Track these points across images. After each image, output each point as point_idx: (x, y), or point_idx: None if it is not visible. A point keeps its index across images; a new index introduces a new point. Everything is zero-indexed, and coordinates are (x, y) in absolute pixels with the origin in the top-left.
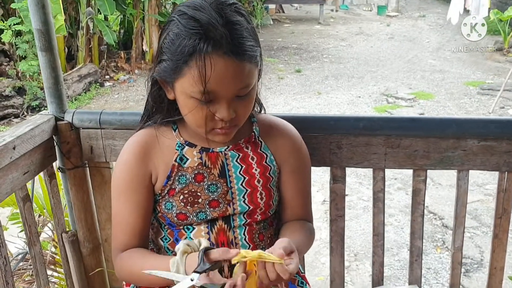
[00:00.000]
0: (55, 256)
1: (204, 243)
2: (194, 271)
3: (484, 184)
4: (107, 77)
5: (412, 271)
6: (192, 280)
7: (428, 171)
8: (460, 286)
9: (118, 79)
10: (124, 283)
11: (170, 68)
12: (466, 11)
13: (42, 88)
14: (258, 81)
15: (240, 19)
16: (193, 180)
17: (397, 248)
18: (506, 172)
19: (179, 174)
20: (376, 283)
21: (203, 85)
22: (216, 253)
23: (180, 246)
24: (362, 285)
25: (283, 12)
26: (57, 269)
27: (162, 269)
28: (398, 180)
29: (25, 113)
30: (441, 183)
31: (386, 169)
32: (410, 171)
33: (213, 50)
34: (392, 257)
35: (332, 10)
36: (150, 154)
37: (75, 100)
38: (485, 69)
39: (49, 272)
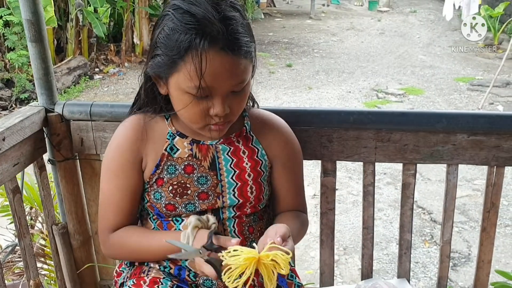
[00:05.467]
0: (44, 248)
1: (212, 219)
2: (203, 246)
3: (472, 179)
4: (96, 70)
5: (401, 264)
6: (200, 252)
7: (418, 165)
8: (448, 280)
9: (107, 72)
10: (115, 273)
11: (164, 63)
12: (457, 8)
13: (31, 80)
14: (252, 77)
15: (235, 14)
16: (183, 172)
17: (385, 242)
18: (495, 167)
19: (168, 163)
20: (365, 276)
21: (199, 81)
22: (222, 240)
23: (191, 220)
24: (351, 279)
25: (274, 6)
26: (47, 261)
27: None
28: (388, 175)
29: (14, 106)
30: (430, 178)
31: (376, 163)
32: (400, 166)
33: (210, 45)
34: (380, 251)
35: (323, 5)
36: (142, 139)
37: (64, 92)
38: (475, 65)
39: (39, 265)
